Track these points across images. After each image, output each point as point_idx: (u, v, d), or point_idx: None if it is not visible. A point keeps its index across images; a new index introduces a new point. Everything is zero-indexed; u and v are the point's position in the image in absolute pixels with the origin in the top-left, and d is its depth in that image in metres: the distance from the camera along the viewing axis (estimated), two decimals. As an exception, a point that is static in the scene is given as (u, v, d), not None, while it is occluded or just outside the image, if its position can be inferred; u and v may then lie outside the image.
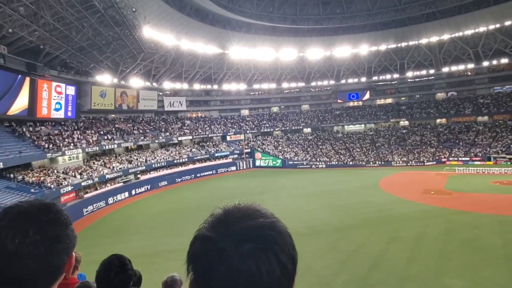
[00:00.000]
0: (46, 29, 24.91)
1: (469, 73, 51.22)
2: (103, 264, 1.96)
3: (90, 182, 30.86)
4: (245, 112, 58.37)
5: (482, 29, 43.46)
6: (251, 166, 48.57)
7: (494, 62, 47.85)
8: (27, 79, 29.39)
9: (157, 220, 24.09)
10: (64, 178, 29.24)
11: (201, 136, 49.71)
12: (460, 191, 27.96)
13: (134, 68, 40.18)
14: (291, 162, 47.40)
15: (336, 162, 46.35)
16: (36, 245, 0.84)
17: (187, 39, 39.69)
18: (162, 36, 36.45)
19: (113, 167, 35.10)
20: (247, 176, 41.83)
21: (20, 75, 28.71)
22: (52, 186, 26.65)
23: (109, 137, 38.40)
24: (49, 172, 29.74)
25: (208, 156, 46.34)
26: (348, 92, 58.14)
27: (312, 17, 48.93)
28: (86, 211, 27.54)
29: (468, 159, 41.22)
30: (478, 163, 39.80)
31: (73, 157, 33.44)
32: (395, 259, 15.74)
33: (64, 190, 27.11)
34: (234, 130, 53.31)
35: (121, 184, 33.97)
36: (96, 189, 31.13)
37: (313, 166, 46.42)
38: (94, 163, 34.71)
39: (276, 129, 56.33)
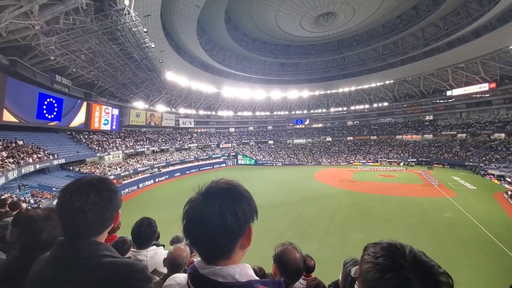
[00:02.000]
0: (99, 70, 23.78)
1: (366, 110, 53.87)
2: (136, 223, 1.93)
3: (126, 173, 29.43)
4: (232, 129, 57.84)
5: (373, 85, 46.21)
6: (236, 164, 48.03)
7: (380, 104, 50.71)
8: (84, 103, 27.89)
9: (171, 198, 23.38)
10: (109, 170, 27.69)
11: (203, 144, 48.75)
12: (360, 180, 29.17)
13: (160, 98, 39.02)
14: (260, 162, 47.43)
15: (288, 162, 46.88)
16: (95, 204, 0.86)
17: (195, 81, 39.21)
18: (179, 79, 35.74)
19: (143, 163, 33.66)
20: (233, 170, 41.46)
21: (79, 100, 27.23)
22: (99, 175, 25.14)
23: (141, 143, 36.85)
24: (98, 166, 28.08)
25: (207, 157, 45.47)
26: (296, 119, 59.30)
27: (274, 72, 49.93)
28: (124, 192, 26.18)
29: (365, 161, 43.14)
30: (371, 163, 41.77)
31: (116, 156, 31.79)
32: (322, 221, 16.20)
33: (109, 178, 25.71)
34: (224, 140, 52.73)
35: (148, 174, 32.61)
36: (131, 178, 29.73)
37: (274, 164, 46.61)
38: (130, 160, 33.13)
39: (251, 141, 56.21)
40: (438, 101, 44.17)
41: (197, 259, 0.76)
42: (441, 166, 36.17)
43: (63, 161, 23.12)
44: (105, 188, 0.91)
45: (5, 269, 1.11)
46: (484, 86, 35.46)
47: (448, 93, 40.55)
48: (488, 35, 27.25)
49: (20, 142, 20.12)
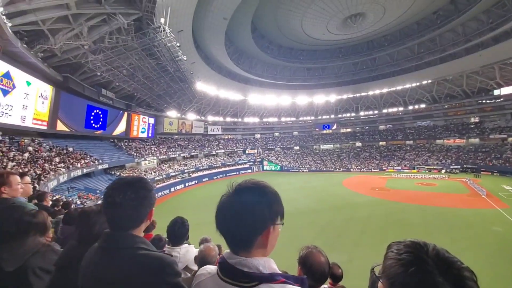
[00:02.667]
0: (138, 84, 25.93)
1: (400, 113, 50.27)
2: (171, 222, 2.07)
3: (160, 177, 31.23)
4: (258, 136, 58.32)
5: (407, 86, 43.11)
6: (261, 170, 48.19)
7: (416, 106, 46.99)
8: (125, 113, 30.42)
9: (200, 202, 24.17)
10: (145, 174, 29.64)
11: (230, 150, 49.87)
12: (395, 189, 27.13)
13: (190, 107, 41.13)
14: (286, 168, 46.92)
15: (315, 168, 45.65)
16: (132, 200, 0.96)
17: (223, 90, 40.63)
18: (207, 88, 37.40)
19: (175, 168, 35.47)
20: (258, 176, 41.58)
21: (121, 111, 29.74)
22: (138, 175, 27.08)
23: (173, 150, 38.98)
24: (135, 171, 30.27)
25: (234, 162, 46.36)
26: (322, 124, 57.66)
27: (300, 77, 49.45)
28: (157, 196, 27.73)
29: (400, 168, 40.08)
30: (407, 170, 38.66)
31: (151, 162, 34.00)
32: (352, 232, 15.35)
33: (145, 182, 27.54)
34: (250, 146, 53.35)
35: (179, 179, 34.24)
36: (164, 182, 31.46)
37: (300, 170, 45.74)
38: (163, 165, 35.19)
39: (277, 147, 55.96)
40: (484, 101, 39.40)
41: (226, 250, 0.85)
42: (490, 173, 32.03)
43: (106, 166, 25.42)
44: (140, 186, 1.01)
45: (66, 256, 1.31)
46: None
47: (496, 92, 36.07)
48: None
49: (70, 149, 22.65)
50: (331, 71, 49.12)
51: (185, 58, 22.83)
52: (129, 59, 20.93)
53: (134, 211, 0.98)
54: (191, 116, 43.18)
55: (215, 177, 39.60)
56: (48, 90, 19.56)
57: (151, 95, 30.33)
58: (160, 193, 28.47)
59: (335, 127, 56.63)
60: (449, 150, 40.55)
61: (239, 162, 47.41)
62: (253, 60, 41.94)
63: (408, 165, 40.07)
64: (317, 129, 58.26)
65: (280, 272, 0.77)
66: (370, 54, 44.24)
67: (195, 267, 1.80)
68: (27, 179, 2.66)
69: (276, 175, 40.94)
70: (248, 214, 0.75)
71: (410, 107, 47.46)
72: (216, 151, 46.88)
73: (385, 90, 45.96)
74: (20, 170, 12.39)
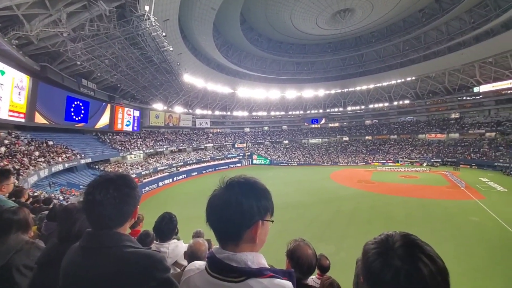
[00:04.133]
0: (122, 74, 24.96)
1: (385, 109, 51.82)
2: (158, 218, 2.03)
3: (147, 172, 30.61)
4: (247, 130, 58.22)
5: (393, 82, 44.34)
6: (251, 164, 48.29)
7: (400, 102, 48.51)
8: (109, 105, 29.31)
9: (189, 196, 23.98)
10: (131, 169, 28.96)
11: (219, 144, 49.53)
12: (379, 181, 28.12)
13: (177, 100, 40.17)
14: (275, 162, 47.32)
15: (303, 162, 46.35)
16: (114, 198, 0.93)
17: (211, 82, 39.90)
18: (195, 80, 36.57)
19: (162, 162, 34.84)
20: (247, 170, 41.70)
21: (104, 103, 28.64)
22: (121, 172, 26.40)
23: (160, 144, 38.16)
24: (121, 165, 29.44)
25: (223, 156, 46.13)
26: (311, 118, 58.34)
27: (289, 71, 49.52)
28: (145, 190, 27.26)
29: (385, 161, 41.53)
30: (391, 164, 40.14)
31: (137, 156, 33.20)
32: (339, 224, 15.82)
33: (131, 177, 26.94)
34: (240, 140, 53.22)
35: (167, 173, 33.70)
36: (151, 176, 30.86)
37: (289, 164, 46.28)
38: (150, 160, 34.45)
39: (266, 141, 56.18)
40: (464, 98, 41.35)
41: (215, 246, 0.84)
42: (468, 166, 33.92)
43: (89, 160, 24.54)
44: (123, 184, 0.98)
45: (46, 254, 1.25)
46: (516, 82, 32.72)
47: (475, 89, 37.89)
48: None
49: (51, 143, 21.62)
50: (320, 66, 49.49)
51: (171, 49, 22.14)
52: (112, 48, 20.00)
53: (117, 210, 0.94)
54: (179, 109, 42.25)
55: (204, 171, 39.32)
56: (24, 80, 18.37)
57: (135, 87, 29.32)
58: (147, 188, 27.94)
59: (323, 121, 57.47)
60: (430, 144, 42.46)
61: (229, 156, 47.24)
62: (242, 53, 41.39)
63: (392, 159, 41.58)
64: (306, 123, 58.91)
65: (269, 267, 0.77)
66: (358, 50, 44.92)
67: (184, 262, 1.78)
68: (12, 179, 2.55)
69: (265, 169, 41.20)
70: (237, 207, 0.76)
71: (395, 103, 48.98)
72: (205, 145, 46.43)
73: (371, 86, 47.00)
74: (4, 167, 11.73)
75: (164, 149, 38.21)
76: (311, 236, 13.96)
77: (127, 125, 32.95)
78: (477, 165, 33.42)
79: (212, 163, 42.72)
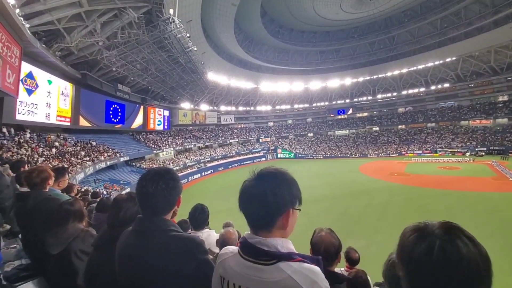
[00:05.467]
0: (152, 77, 26.49)
1: (421, 94, 47.40)
2: (192, 208, 2.20)
3: (178, 167, 32.20)
4: (271, 124, 58.05)
5: (430, 64, 40.31)
6: (275, 158, 48.24)
7: (439, 86, 44.04)
8: (142, 107, 31.32)
9: (216, 191, 24.78)
10: (164, 165, 30.77)
11: (244, 139, 50.26)
12: (415, 173, 26.22)
13: (203, 98, 41.54)
14: (300, 155, 46.67)
15: (329, 155, 45.01)
16: (163, 190, 1.06)
17: (234, 79, 40.38)
18: (219, 78, 37.31)
19: (191, 158, 36.50)
20: (272, 164, 41.66)
21: (137, 105, 30.63)
22: (165, 167, 28.19)
23: (189, 141, 39.95)
24: (154, 162, 31.47)
25: (248, 151, 46.78)
26: (337, 109, 55.85)
27: (313, 61, 47.86)
28: (176, 185, 28.89)
29: (421, 152, 38.48)
30: (428, 154, 37.06)
31: (168, 153, 35.15)
32: (370, 218, 15.16)
33: (163, 173, 28.63)
34: (264, 135, 53.36)
35: (196, 169, 35.23)
36: (182, 172, 32.45)
37: (314, 157, 45.35)
38: (180, 156, 36.30)
39: (291, 134, 55.45)
40: (515, 77, 36.07)
41: (246, 232, 0.92)
42: (521, 155, 29.85)
43: (127, 158, 26.68)
44: (170, 177, 1.11)
45: (99, 238, 1.46)
46: None
47: (531, 66, 32.80)
48: None
49: (94, 143, 23.91)
50: (345, 52, 46.98)
51: (195, 49, 22.82)
52: (142, 53, 21.31)
53: (165, 199, 1.08)
54: (204, 107, 43.63)
55: (230, 166, 40.33)
56: (68, 87, 20.50)
57: (164, 88, 30.89)
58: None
59: (350, 111, 54.67)
60: (474, 131, 38.10)
61: (253, 150, 47.74)
62: (263, 46, 41.04)
63: (429, 149, 38.30)
64: (331, 115, 56.68)
65: (297, 252, 0.82)
66: (389, 32, 41.63)
67: (217, 250, 1.92)
68: (67, 176, 2.94)
69: (290, 163, 40.90)
70: (272, 197, 0.81)
71: (433, 87, 44.54)
72: (230, 141, 47.43)
73: (404, 70, 43.32)
74: (60, 165, 13.30)
75: (192, 145, 39.93)
76: (340, 231, 13.42)
77: (158, 125, 35.04)
78: (533, 153, 29.24)
79: (237, 158, 43.58)
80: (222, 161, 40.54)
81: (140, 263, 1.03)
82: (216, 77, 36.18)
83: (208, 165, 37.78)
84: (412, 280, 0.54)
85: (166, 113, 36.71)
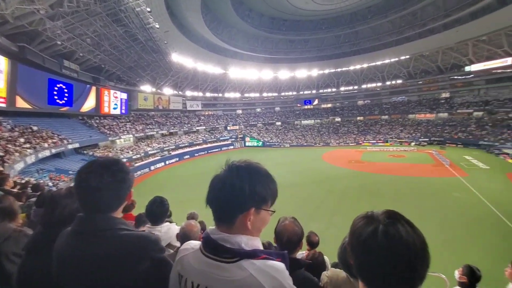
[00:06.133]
0: (105, 54, 23.79)
1: (378, 89, 51.87)
2: (149, 202, 2.05)
3: (138, 156, 30.32)
4: (239, 111, 57.64)
5: (387, 61, 43.89)
6: (243, 146, 48.38)
7: (393, 82, 48.57)
8: (94, 88, 28.17)
9: (183, 180, 24.08)
10: (121, 153, 28.60)
11: (211, 126, 49.17)
12: (369, 161, 28.95)
13: (166, 81, 38.96)
14: (268, 143, 47.59)
15: (296, 143, 46.81)
16: (109, 183, 0.95)
17: (201, 62, 38.47)
18: (184, 60, 35.14)
19: (153, 146, 34.49)
20: (240, 152, 41.94)
21: (88, 85, 27.46)
22: (113, 157, 26.09)
23: (150, 127, 37.52)
24: (110, 150, 28.99)
25: (215, 139, 45.96)
26: (304, 99, 58.01)
27: (282, 50, 48.10)
28: (136, 175, 27.09)
29: (375, 141, 42.46)
30: (381, 144, 41.12)
31: (127, 140, 32.62)
32: (330, 202, 16.44)
33: (121, 161, 26.64)
34: (232, 122, 52.89)
35: (159, 157, 33.50)
36: (142, 160, 30.61)
37: (282, 146, 46.69)
38: (140, 144, 34.01)
39: (259, 123, 55.92)
40: (456, 77, 41.73)
41: (210, 227, 0.87)
42: (455, 145, 35.15)
43: (77, 145, 23.97)
44: (118, 169, 0.99)
45: (32, 241, 1.27)
46: (507, 61, 32.98)
47: (467, 68, 38.07)
48: (517, 2, 24.86)
49: (35, 128, 20.84)
50: (314, 43, 48.21)
51: (157, 26, 21.03)
52: (93, 26, 18.81)
53: (113, 194, 0.97)
54: (168, 91, 41.04)
55: (197, 154, 39.31)
56: (2, 62, 17.20)
57: (121, 67, 28.08)
58: (139, 172, 27.87)
59: (316, 102, 57.30)
60: (419, 124, 43.39)
61: (221, 138, 47.12)
62: (232, 29, 39.66)
63: (382, 139, 42.50)
64: (298, 105, 58.64)
65: (262, 249, 0.80)
66: (353, 27, 43.72)
67: (178, 244, 1.84)
68: None
69: (258, 151, 41.53)
70: (230, 189, 0.78)
71: (388, 83, 49.00)
72: (197, 128, 45.95)
73: (365, 65, 46.47)
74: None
75: (155, 132, 37.65)
76: (303, 215, 14.52)
77: (114, 108, 31.95)
78: (462, 144, 34.64)
79: (204, 146, 42.59)
80: (188, 149, 39.22)
81: (83, 268, 0.90)
82: (181, 59, 33.99)
83: (173, 153, 36.22)
84: (361, 263, 0.61)
85: (124, 96, 33.56)
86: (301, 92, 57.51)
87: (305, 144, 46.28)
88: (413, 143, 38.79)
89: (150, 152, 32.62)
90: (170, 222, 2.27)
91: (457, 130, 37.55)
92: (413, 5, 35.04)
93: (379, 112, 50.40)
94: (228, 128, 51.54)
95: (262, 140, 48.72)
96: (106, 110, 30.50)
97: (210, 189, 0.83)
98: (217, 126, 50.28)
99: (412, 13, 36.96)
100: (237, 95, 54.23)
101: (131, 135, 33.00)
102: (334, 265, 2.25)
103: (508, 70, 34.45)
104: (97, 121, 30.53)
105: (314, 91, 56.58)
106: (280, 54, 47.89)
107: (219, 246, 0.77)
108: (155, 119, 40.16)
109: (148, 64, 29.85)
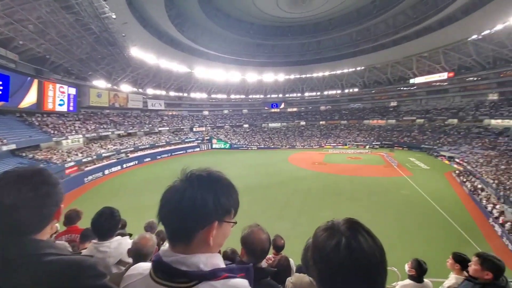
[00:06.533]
0: (51, 43, 21.02)
1: (338, 96, 56.03)
2: (96, 214, 1.75)
3: (89, 158, 27.29)
4: (206, 113, 56.34)
5: (345, 70, 47.63)
6: (210, 148, 47.27)
7: (351, 90, 52.96)
8: (35, 81, 24.61)
9: (142, 185, 22.48)
10: (68, 156, 25.40)
11: (175, 127, 46.97)
12: (331, 163, 30.91)
13: (125, 77, 35.97)
14: (235, 146, 47.35)
15: (263, 146, 47.51)
16: (30, 200, 0.76)
17: (165, 59, 36.44)
18: (146, 56, 32.75)
19: (108, 148, 31.43)
20: (207, 154, 40.89)
21: (29, 78, 23.90)
22: (57, 162, 23.01)
23: (105, 127, 34.17)
24: (55, 151, 25.52)
25: (180, 141, 43.97)
26: (271, 102, 59.41)
27: (249, 53, 48.40)
28: (87, 180, 24.49)
29: (335, 144, 45.52)
30: (340, 146, 44.25)
31: (75, 140, 29.21)
32: (296, 203, 17.02)
33: (67, 165, 23.57)
34: (198, 124, 51.37)
35: (115, 160, 30.62)
36: (95, 164, 27.60)
37: (249, 148, 46.91)
38: (92, 145, 30.70)
39: (226, 125, 55.41)
40: (402, 88, 47.50)
41: (162, 247, 0.74)
42: (401, 148, 39.71)
43: (13, 146, 20.63)
44: (41, 181, 0.79)
45: None
46: (444, 75, 38.81)
47: (411, 81, 43.65)
48: (451, 26, 29.30)
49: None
50: (280, 49, 49.69)
51: (114, 16, 19.33)
52: (37, 11, 16.40)
53: (35, 214, 0.77)
54: (126, 87, 37.92)
55: (159, 157, 37.03)
56: None
57: (70, 59, 25.08)
58: (90, 177, 25.08)
59: (283, 106, 59.18)
60: (373, 129, 48.04)
61: (186, 140, 45.29)
62: (198, 28, 38.58)
63: (341, 142, 45.85)
64: (266, 108, 59.82)
65: (223, 267, 0.70)
66: (316, 37, 46.35)
67: (130, 260, 1.61)
68: None
69: (225, 153, 41.00)
70: (190, 203, 0.67)
71: (346, 91, 53.28)
72: (159, 128, 43.37)
73: (327, 73, 49.67)
74: None
75: (110, 133, 34.36)
76: (270, 216, 14.73)
77: (60, 105, 28.26)
78: (408, 147, 39.36)
79: (168, 148, 40.40)
80: (149, 151, 36.70)
81: None
82: (142, 54, 31.68)
83: (132, 155, 33.50)
84: (323, 276, 0.59)
85: (72, 91, 29.89)
86: (269, 96, 58.75)
87: (272, 146, 47.26)
88: (367, 146, 42.67)
89: (104, 155, 29.61)
90: (123, 234, 1.99)
91: (403, 135, 42.55)
92: (368, 21, 38.74)
93: (339, 117, 54.41)
94: (194, 129, 49.86)
95: (229, 142, 48.25)
96: (50, 106, 26.78)
97: (164, 203, 0.71)
98: (182, 127, 48.20)
99: (367, 29, 40.83)
100: (203, 95, 52.87)
101: (80, 135, 29.55)
102: (298, 268, 2.25)
103: (445, 83, 40.56)
104: (39, 119, 26.61)
105: (281, 95, 58.32)
106: (248, 57, 48.18)
107: (173, 270, 0.66)
108: (110, 118, 36.69)
109: (103, 57, 27.19)
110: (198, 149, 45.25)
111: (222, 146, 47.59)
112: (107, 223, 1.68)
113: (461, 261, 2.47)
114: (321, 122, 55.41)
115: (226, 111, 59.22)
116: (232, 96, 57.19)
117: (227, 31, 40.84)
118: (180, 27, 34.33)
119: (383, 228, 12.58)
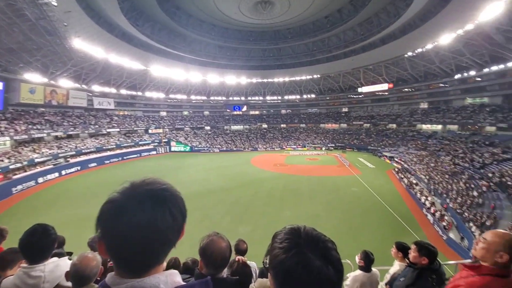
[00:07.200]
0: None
1: (297, 101, 59.31)
2: (25, 232, 1.41)
3: (18, 165, 23.18)
4: (163, 113, 53.19)
5: (303, 77, 50.71)
6: (168, 151, 44.63)
7: (308, 96, 56.59)
8: None
9: (86, 194, 19.91)
10: (-11, 162, 21.06)
11: (127, 129, 43.04)
12: (291, 164, 32.29)
13: (65, 71, 31.56)
14: (196, 148, 45.75)
15: (225, 148, 46.99)
16: None
17: (115, 54, 33.07)
18: (92, 49, 29.17)
19: (42, 152, 27.08)
20: (165, 158, 38.48)
21: None
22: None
23: (38, 127, 29.38)
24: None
25: (133, 143, 40.45)
26: (233, 105, 59.37)
27: (211, 54, 47.60)
28: (16, 190, 20.70)
29: (295, 146, 47.78)
30: (300, 148, 46.59)
31: (1, 143, 24.47)
32: (258, 204, 17.22)
33: (-11, 172, 19.56)
34: (155, 125, 48.10)
35: (51, 166, 26.51)
36: (25, 171, 23.60)
37: (211, 151, 45.88)
38: (23, 149, 26.11)
39: (186, 126, 53.22)
40: (352, 96, 52.84)
41: (110, 274, 0.62)
42: (351, 150, 43.84)
43: None
44: None
45: None
46: (385, 86, 44.62)
47: (359, 89, 49.02)
48: (391, 43, 33.79)
49: None
50: (242, 53, 50.06)
51: (54, 3, 16.89)
52: None
53: None
54: (67, 83, 33.26)
55: (107, 162, 33.39)
56: None
57: (-7, 47, 20.93)
58: (19, 187, 21.20)
59: (245, 108, 59.70)
60: (328, 132, 52.03)
61: (140, 143, 41.93)
62: (156, 24, 36.40)
63: (301, 144, 48.38)
64: (228, 110, 59.49)
65: (183, 284, 0.65)
66: (276, 44, 48.17)
67: (69, 284, 1.36)
68: None
69: (185, 156, 39.24)
70: (150, 231, 0.58)
71: (304, 96, 56.83)
72: (108, 130, 39.21)
73: (287, 79, 52.08)
74: None
75: (45, 134, 29.69)
76: (232, 219, 14.57)
77: (-23, 100, 23.34)
78: (357, 149, 43.69)
79: (118, 151, 36.77)
80: (94, 156, 32.82)
81: None
82: (87, 46, 28.25)
83: (73, 160, 29.48)
84: (278, 282, 0.57)
85: (-2, 85, 25.06)
86: (231, 98, 58.57)
87: (234, 149, 47.07)
88: (324, 148, 45.93)
89: (37, 160, 25.39)
90: (60, 254, 1.69)
91: (353, 138, 47.15)
92: (322, 34, 41.98)
93: (298, 120, 57.48)
94: (150, 131, 46.53)
95: (190, 145, 46.38)
96: (-39, 101, 21.88)
97: (109, 231, 0.58)
98: (135, 128, 44.52)
99: (321, 40, 44.19)
100: (161, 95, 49.86)
101: (7, 138, 24.83)
102: (261, 273, 2.25)
103: (386, 93, 46.56)
104: None
105: (243, 98, 58.73)
106: (209, 58, 47.25)
107: None
108: (45, 118, 31.72)
109: (39, 48, 23.42)
110: (154, 152, 42.31)
111: (182, 149, 45.46)
112: (40, 243, 1.38)
113: (403, 249, 2.79)
114: (282, 125, 57.62)
115: (186, 112, 56.93)
116: (193, 97, 55.33)
117: (187, 30, 39.47)
118: (135, 21, 31.87)
119: (336, 223, 13.65)
